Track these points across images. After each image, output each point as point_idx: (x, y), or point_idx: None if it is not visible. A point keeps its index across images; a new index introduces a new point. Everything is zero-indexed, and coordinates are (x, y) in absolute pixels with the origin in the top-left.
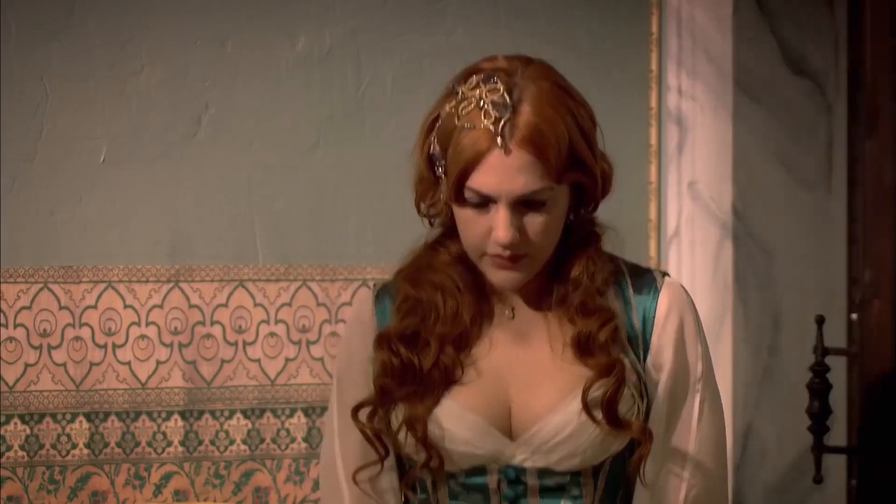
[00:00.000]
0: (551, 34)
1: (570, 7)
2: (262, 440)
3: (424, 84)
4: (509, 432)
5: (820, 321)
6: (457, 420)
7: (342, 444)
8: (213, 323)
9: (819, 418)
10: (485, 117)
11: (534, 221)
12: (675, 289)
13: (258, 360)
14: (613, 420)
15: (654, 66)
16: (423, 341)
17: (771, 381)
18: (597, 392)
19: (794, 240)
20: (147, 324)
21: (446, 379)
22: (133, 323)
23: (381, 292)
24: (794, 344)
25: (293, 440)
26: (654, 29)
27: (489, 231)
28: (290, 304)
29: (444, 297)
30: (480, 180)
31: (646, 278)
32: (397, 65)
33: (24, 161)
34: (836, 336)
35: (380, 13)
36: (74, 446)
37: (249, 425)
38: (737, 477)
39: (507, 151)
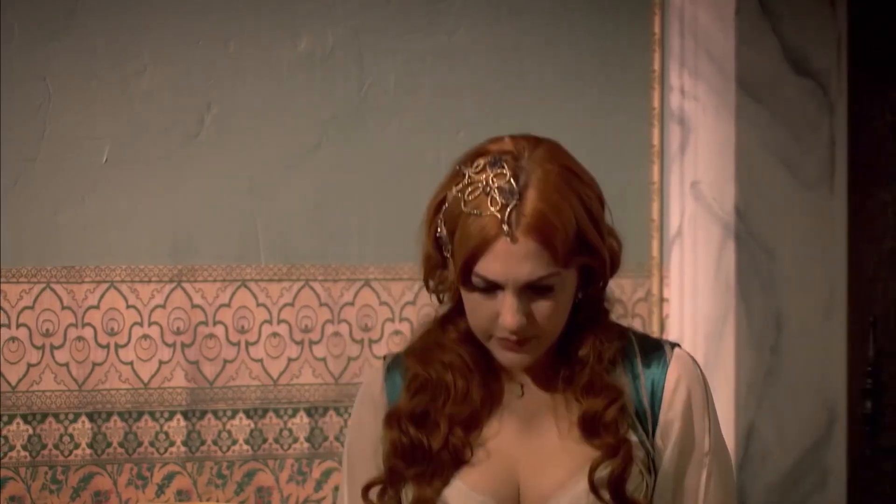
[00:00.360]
0: (553, 34)
1: (572, 7)
2: (265, 440)
3: (427, 84)
4: None
5: (874, 323)
6: (465, 501)
7: None
8: (215, 323)
9: (871, 420)
10: (491, 204)
11: (541, 306)
12: (683, 361)
13: (261, 360)
14: (621, 500)
15: (656, 67)
16: (432, 422)
17: (773, 382)
18: (604, 472)
19: (797, 240)
20: (149, 324)
21: (455, 459)
22: (135, 323)
23: (392, 366)
24: (797, 344)
25: (296, 440)
26: (657, 29)
27: (496, 315)
28: (292, 304)
29: (454, 377)
30: (487, 267)
31: (655, 351)
32: (400, 65)
33: (26, 161)
34: (837, 335)
35: (382, 13)
36: (77, 446)
37: (252, 425)
38: (739, 477)
39: (513, 239)
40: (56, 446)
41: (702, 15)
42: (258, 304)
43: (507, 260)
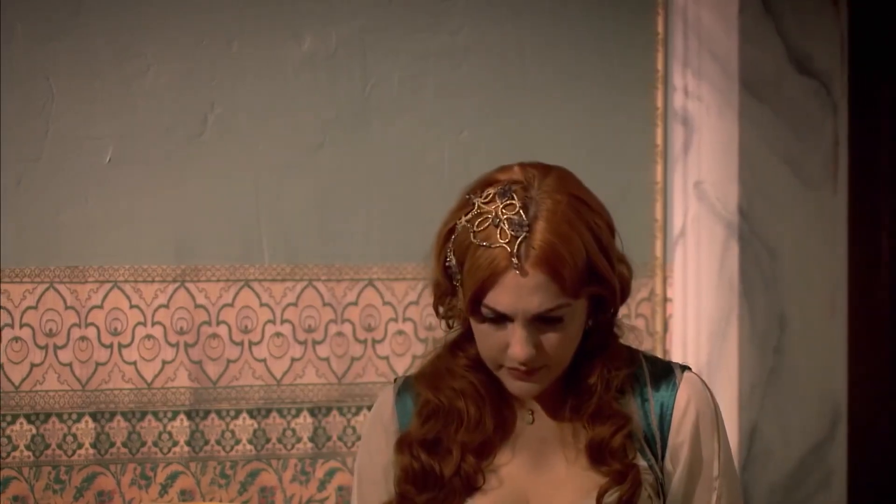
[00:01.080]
0: (556, 34)
1: (576, 7)
2: (268, 440)
3: (431, 84)
4: None
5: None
6: None
7: None
8: (218, 323)
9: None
10: (500, 236)
11: (551, 337)
12: (693, 384)
13: (264, 360)
14: None
15: (659, 67)
16: (444, 448)
17: (776, 382)
18: (611, 498)
19: (800, 239)
20: (153, 324)
21: (467, 486)
22: (139, 323)
23: (403, 389)
24: (800, 344)
25: (299, 440)
26: (660, 29)
27: (506, 346)
28: (295, 304)
29: (466, 404)
30: (496, 299)
31: (665, 374)
32: (403, 64)
33: (29, 161)
34: (838, 336)
35: (386, 13)
36: (80, 446)
37: (255, 425)
38: (742, 477)
39: (522, 272)
40: (59, 446)
41: (705, 15)
42: (261, 304)
43: (517, 292)
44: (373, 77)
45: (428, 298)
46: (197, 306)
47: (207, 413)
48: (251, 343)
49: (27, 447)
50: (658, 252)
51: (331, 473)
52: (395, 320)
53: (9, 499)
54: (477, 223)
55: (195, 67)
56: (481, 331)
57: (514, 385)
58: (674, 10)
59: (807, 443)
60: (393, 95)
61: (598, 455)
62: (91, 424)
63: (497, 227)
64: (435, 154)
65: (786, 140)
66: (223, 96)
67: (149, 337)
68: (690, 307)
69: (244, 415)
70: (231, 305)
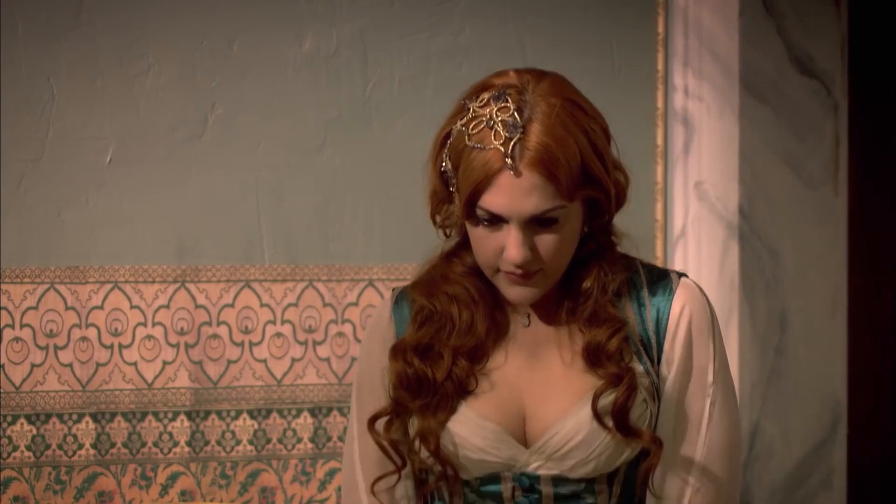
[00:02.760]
0: (558, 34)
1: (577, 7)
2: (269, 440)
3: (432, 84)
4: (524, 440)
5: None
6: (472, 427)
7: (361, 450)
8: (219, 323)
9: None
10: (495, 138)
11: (546, 239)
12: (689, 289)
13: (264, 361)
14: (624, 428)
15: (660, 67)
16: (436, 353)
17: (777, 381)
18: (606, 399)
19: (801, 240)
20: (153, 324)
21: (460, 390)
22: (139, 323)
23: (400, 298)
24: (801, 344)
25: (299, 440)
26: (661, 29)
27: (502, 249)
28: (296, 305)
29: (459, 309)
30: (491, 201)
31: (662, 279)
32: (405, 65)
33: (30, 161)
34: (839, 336)
35: (387, 13)
36: (81, 446)
37: (256, 426)
38: (744, 476)
39: (517, 173)
40: (60, 447)
41: (706, 15)
42: (262, 305)
43: (511, 193)
44: (374, 77)
45: None
46: (197, 307)
47: (208, 413)
48: (252, 343)
49: (28, 448)
50: (659, 252)
51: (331, 474)
52: None
53: (9, 499)
54: (472, 126)
55: (196, 67)
56: (477, 235)
57: (510, 291)
58: (674, 10)
59: (807, 443)
60: (394, 96)
61: (594, 358)
62: (91, 425)
63: (491, 129)
64: None
65: (786, 140)
66: (224, 96)
67: (149, 337)
68: None
69: (245, 415)
70: (231, 306)
